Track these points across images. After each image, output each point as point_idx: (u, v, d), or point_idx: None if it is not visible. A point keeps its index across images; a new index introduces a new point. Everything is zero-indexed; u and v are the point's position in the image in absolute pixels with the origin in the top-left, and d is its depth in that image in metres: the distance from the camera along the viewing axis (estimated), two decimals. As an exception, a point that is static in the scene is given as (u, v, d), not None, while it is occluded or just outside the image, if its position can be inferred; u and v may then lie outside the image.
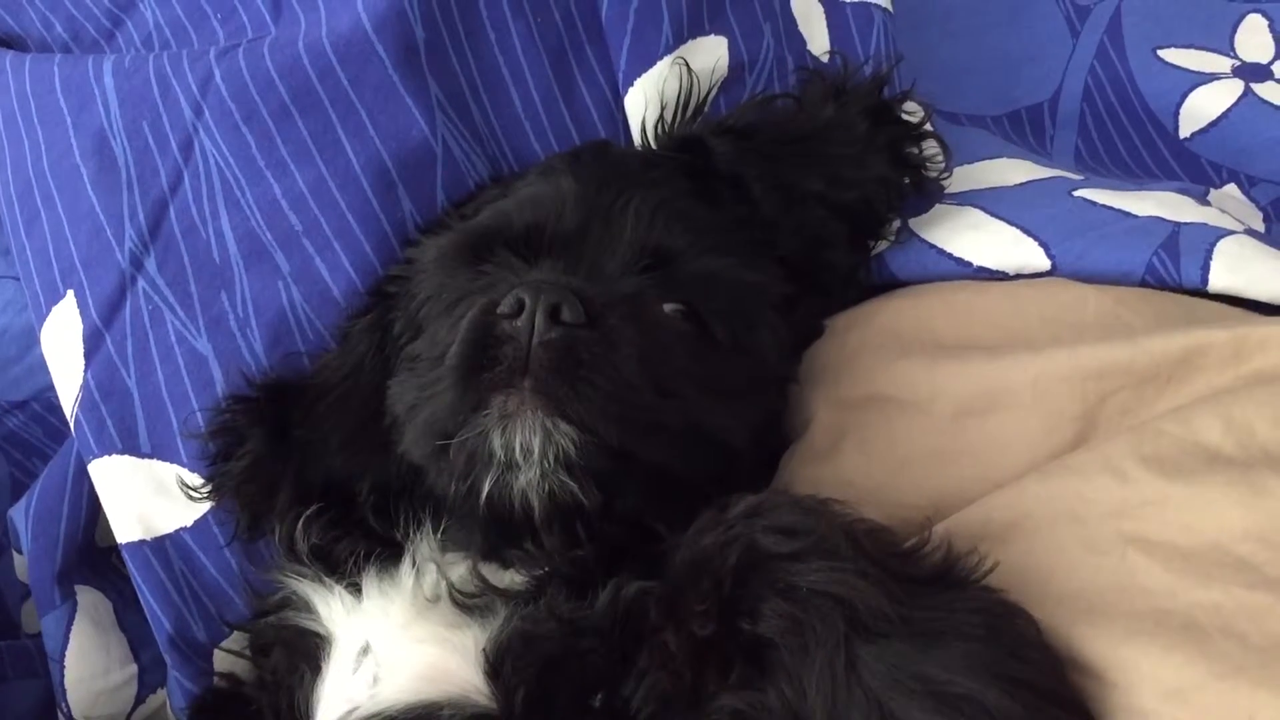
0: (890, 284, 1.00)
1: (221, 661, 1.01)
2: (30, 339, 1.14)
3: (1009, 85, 1.32)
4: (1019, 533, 0.78)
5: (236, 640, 1.00)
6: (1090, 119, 1.30)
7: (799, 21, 1.11)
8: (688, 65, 1.04)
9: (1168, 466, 0.74)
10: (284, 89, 1.00)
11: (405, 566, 0.86)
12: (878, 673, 0.64)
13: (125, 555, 1.01)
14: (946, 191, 1.03)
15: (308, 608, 0.88)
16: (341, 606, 0.86)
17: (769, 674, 0.66)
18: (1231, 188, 1.22)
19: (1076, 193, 1.00)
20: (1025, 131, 1.30)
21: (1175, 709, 0.66)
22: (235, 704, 0.93)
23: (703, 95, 1.05)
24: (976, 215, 0.99)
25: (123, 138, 1.04)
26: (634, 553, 0.78)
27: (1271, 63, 1.29)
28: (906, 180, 1.00)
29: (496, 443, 0.78)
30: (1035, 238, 0.95)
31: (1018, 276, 0.95)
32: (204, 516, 1.00)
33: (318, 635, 0.86)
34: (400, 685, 0.80)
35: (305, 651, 0.86)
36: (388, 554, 0.87)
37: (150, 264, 1.02)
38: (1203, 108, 1.26)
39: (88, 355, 1.02)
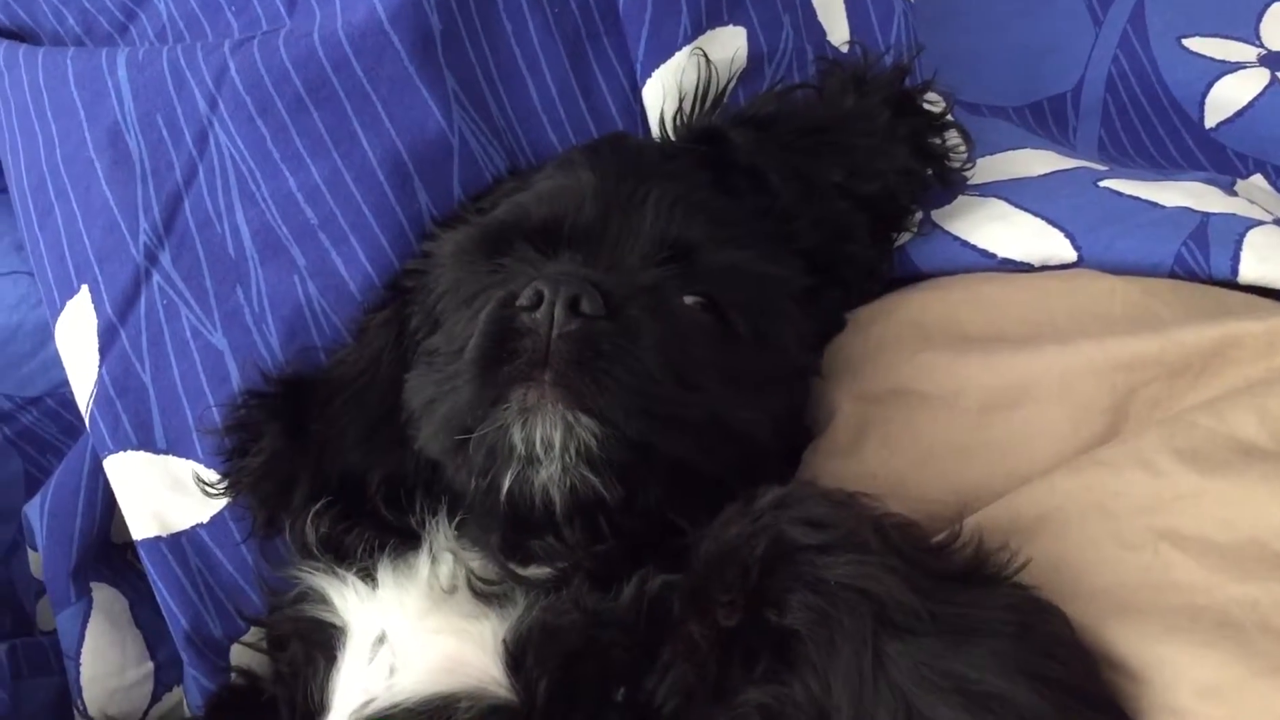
0: (913, 276, 1.00)
1: (238, 657, 1.01)
2: (44, 334, 1.14)
3: (1030, 75, 1.31)
4: (1048, 527, 0.77)
5: (253, 635, 0.99)
6: (1114, 109, 1.29)
7: (818, 11, 1.10)
8: (706, 56, 1.03)
9: (1201, 460, 0.73)
10: (299, 81, 0.99)
11: (422, 556, 0.85)
12: (905, 669, 0.63)
13: (141, 552, 1.00)
14: (969, 183, 1.02)
15: (323, 600, 0.87)
16: (356, 596, 0.86)
17: (795, 667, 0.66)
18: (1258, 178, 1.20)
19: (1102, 183, 0.99)
20: (1047, 122, 1.29)
21: (1212, 707, 0.65)
22: (252, 700, 0.93)
23: (721, 86, 1.04)
24: (1000, 206, 0.98)
25: (137, 131, 1.03)
26: (656, 546, 0.78)
27: (1298, 51, 1.28)
28: (929, 171, 0.99)
29: (517, 437, 0.77)
30: (1061, 229, 0.94)
31: (1043, 268, 0.94)
32: (220, 512, 0.99)
33: (333, 626, 0.86)
34: (417, 677, 0.79)
35: (321, 643, 0.86)
36: (401, 544, 0.87)
37: (165, 258, 1.01)
38: (1228, 97, 1.25)
39: (102, 350, 1.01)
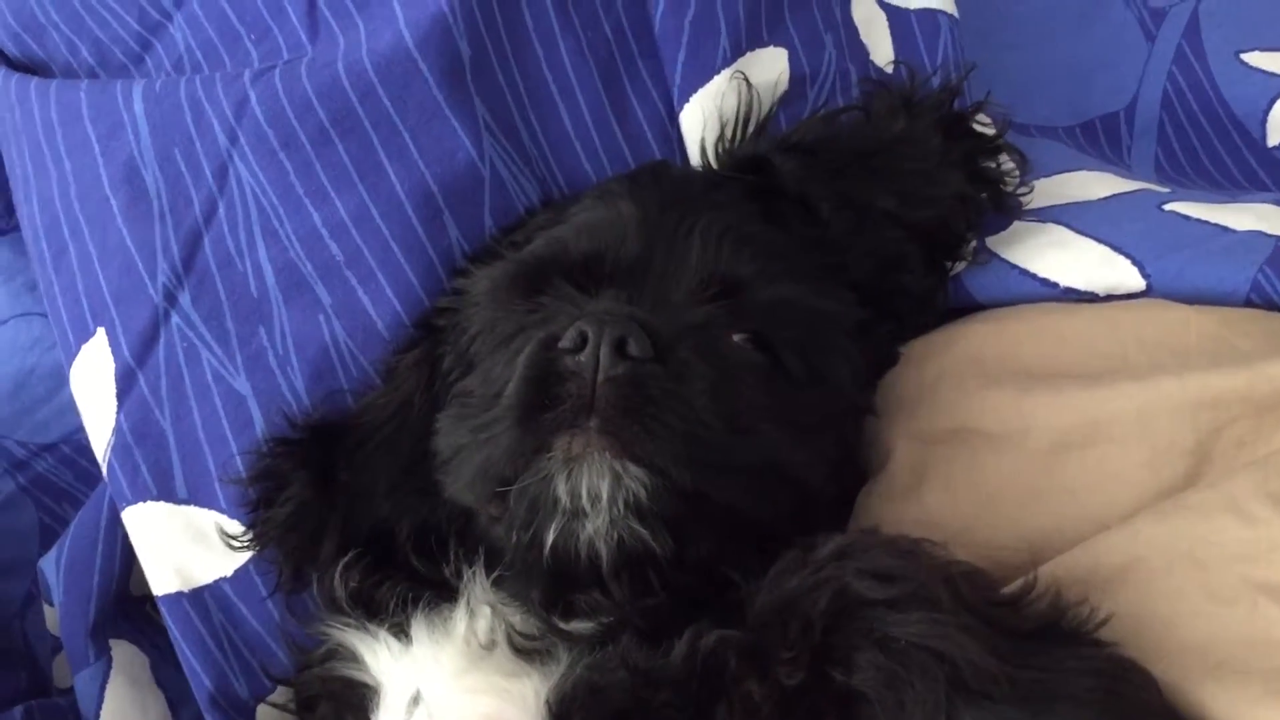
0: (969, 307, 0.96)
1: (265, 718, 0.98)
2: (59, 378, 1.12)
3: (1081, 94, 1.28)
4: (1133, 579, 0.73)
5: (280, 695, 0.96)
6: (1170, 127, 1.25)
7: (861, 30, 1.07)
8: (747, 79, 1.00)
9: (1300, 506, 0.69)
10: (323, 112, 0.97)
11: (459, 610, 0.82)
12: None
13: (162, 609, 0.97)
14: (1025, 208, 0.98)
15: (354, 658, 0.84)
16: (389, 653, 0.82)
17: None
18: (1326, 199, 1.16)
19: (1166, 206, 0.95)
20: (1100, 142, 1.25)
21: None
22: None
23: (764, 111, 1.01)
24: (1060, 232, 0.94)
25: (154, 166, 1.01)
26: (706, 600, 0.75)
27: (1364, 64, 1.24)
28: (984, 196, 0.96)
29: (561, 488, 0.74)
30: (1127, 255, 0.90)
31: (1109, 298, 0.90)
32: (244, 565, 0.96)
33: (365, 685, 0.83)
34: (455, 739, 0.76)
35: (352, 703, 0.83)
36: (436, 597, 0.83)
37: (185, 299, 0.99)
38: (1291, 114, 1.21)
39: (120, 396, 0.99)
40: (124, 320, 1.00)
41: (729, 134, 0.99)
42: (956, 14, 1.10)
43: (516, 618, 0.80)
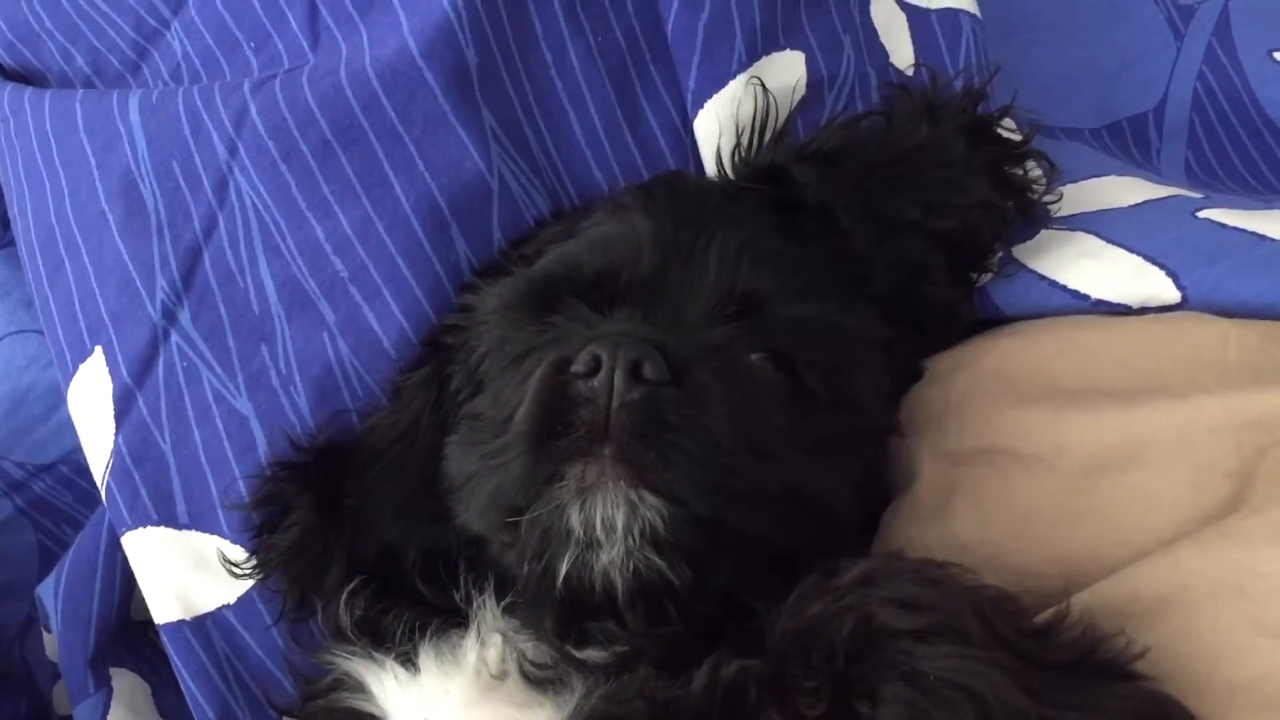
0: (995, 320, 0.93)
1: None
2: (57, 397, 1.11)
3: (1107, 95, 1.25)
4: (1174, 610, 0.70)
5: (286, 726, 0.94)
6: (1201, 129, 1.22)
7: (880, 32, 1.04)
8: (763, 84, 0.98)
9: (1353, 535, 0.67)
10: (325, 122, 0.95)
11: (469, 639, 0.80)
12: None
13: (164, 637, 0.96)
14: (1053, 216, 0.95)
15: (360, 688, 0.82)
16: (396, 683, 0.80)
17: None
18: (1365, 204, 1.13)
19: (1201, 213, 0.92)
20: (1128, 144, 1.22)
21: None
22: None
23: (781, 118, 0.98)
24: (1090, 241, 0.92)
25: (151, 179, 0.99)
26: (724, 627, 0.72)
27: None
28: (1010, 205, 0.93)
29: (575, 519, 0.72)
30: (1161, 266, 0.87)
31: (1143, 310, 0.87)
32: (248, 593, 0.95)
33: (372, 717, 0.81)
34: (465, 773, 0.74)
35: None
36: (444, 624, 0.82)
37: (184, 316, 0.97)
38: (1328, 114, 1.19)
39: (118, 417, 0.98)
40: (122, 339, 0.98)
41: (745, 142, 0.97)
42: (979, 13, 1.07)
43: (528, 646, 0.78)
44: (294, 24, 1.03)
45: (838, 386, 0.83)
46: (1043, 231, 0.94)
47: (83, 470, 1.09)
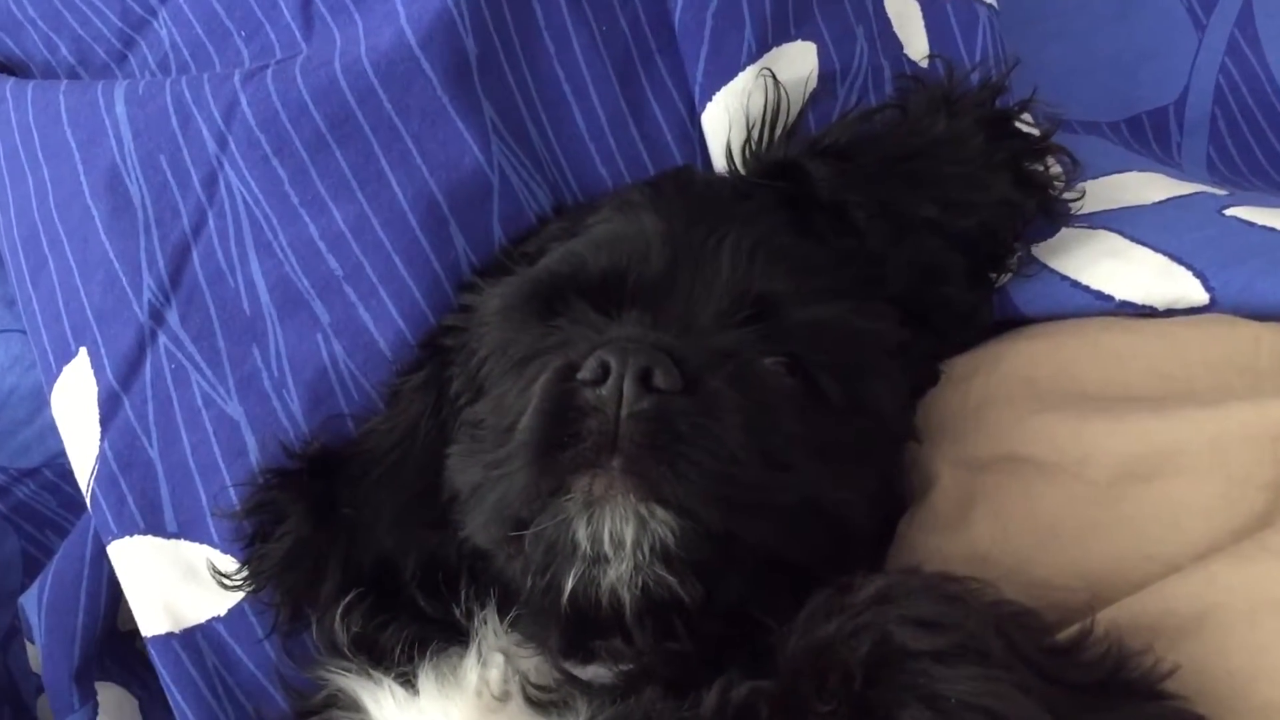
0: (1015, 321, 0.91)
1: None
2: (40, 399, 1.09)
3: (1126, 87, 1.23)
4: (1209, 628, 0.68)
5: (277, 741, 0.93)
6: (1223, 123, 1.21)
7: (894, 22, 1.02)
8: (774, 76, 0.96)
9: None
10: (319, 115, 0.94)
11: (469, 659, 0.78)
12: None
13: (151, 651, 0.94)
14: (1074, 213, 0.93)
15: (355, 706, 0.81)
16: (394, 703, 0.79)
17: None
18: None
19: (1227, 211, 0.90)
20: (1147, 138, 1.21)
21: None
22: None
23: (793, 111, 0.96)
24: (1113, 240, 0.89)
25: (138, 174, 0.98)
26: (734, 644, 0.71)
27: None
28: (1031, 202, 0.91)
29: (581, 533, 0.70)
30: (1188, 266, 0.84)
31: (1169, 312, 0.85)
32: (239, 605, 0.93)
33: None
34: (465, 800, 0.74)
35: None
36: (443, 641, 0.80)
37: (172, 317, 0.96)
38: (1357, 108, 1.18)
39: (104, 421, 0.96)
40: (107, 340, 0.96)
41: (756, 136, 0.95)
42: (995, 3, 1.05)
43: (531, 666, 0.77)
44: (286, 13, 1.02)
45: (855, 392, 0.81)
46: (1063, 230, 0.92)
47: (67, 474, 1.08)
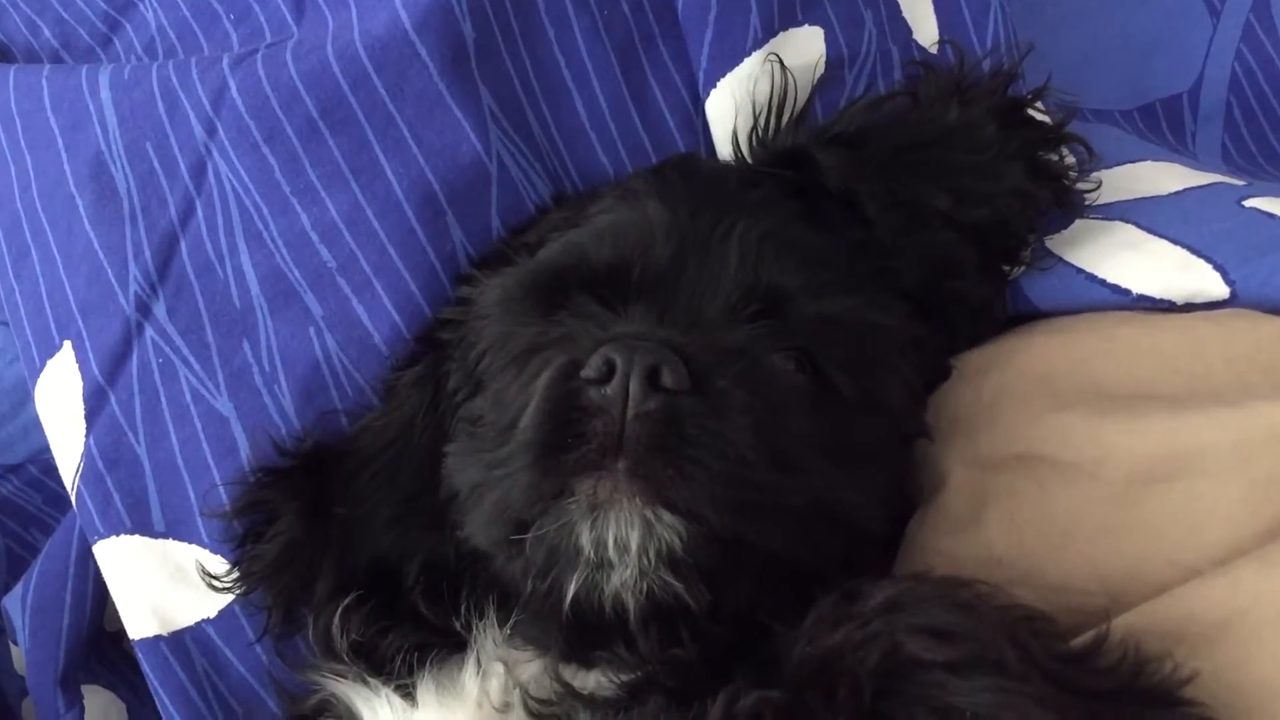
0: (1028, 316, 0.90)
1: None
2: (24, 393, 1.06)
3: (1140, 75, 1.21)
4: (1233, 635, 0.66)
5: (268, 747, 0.92)
6: (1239, 111, 1.19)
7: (903, 7, 1.01)
8: (781, 62, 0.94)
9: None
10: (311, 101, 0.92)
11: (469, 669, 0.77)
12: None
13: (139, 654, 0.93)
14: (1090, 204, 0.91)
15: (350, 714, 0.80)
16: (390, 713, 0.78)
17: None
18: None
19: (1247, 202, 0.88)
20: (1161, 127, 1.20)
21: None
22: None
23: (800, 97, 0.93)
24: (1130, 232, 0.87)
25: (124, 162, 0.96)
26: (739, 652, 0.69)
27: None
28: (1045, 192, 0.89)
29: (585, 538, 0.69)
30: (1208, 259, 0.82)
31: (1188, 307, 0.83)
32: (229, 606, 0.92)
33: None
34: (465, 814, 0.73)
35: None
36: (443, 649, 0.79)
37: (159, 309, 0.94)
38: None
39: (89, 417, 0.94)
40: (92, 333, 0.95)
41: (763, 123, 0.93)
42: (1008, -11, 1.04)
43: (531, 675, 0.75)
44: (276, -6, 1.01)
45: (866, 389, 0.79)
46: (1078, 221, 0.90)
47: (52, 470, 1.05)
